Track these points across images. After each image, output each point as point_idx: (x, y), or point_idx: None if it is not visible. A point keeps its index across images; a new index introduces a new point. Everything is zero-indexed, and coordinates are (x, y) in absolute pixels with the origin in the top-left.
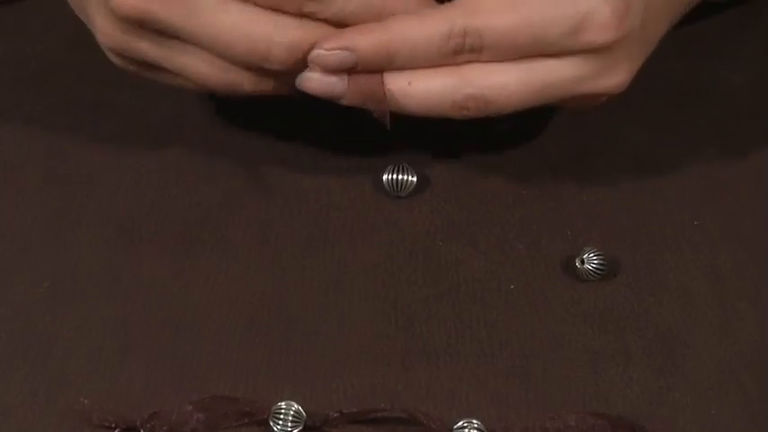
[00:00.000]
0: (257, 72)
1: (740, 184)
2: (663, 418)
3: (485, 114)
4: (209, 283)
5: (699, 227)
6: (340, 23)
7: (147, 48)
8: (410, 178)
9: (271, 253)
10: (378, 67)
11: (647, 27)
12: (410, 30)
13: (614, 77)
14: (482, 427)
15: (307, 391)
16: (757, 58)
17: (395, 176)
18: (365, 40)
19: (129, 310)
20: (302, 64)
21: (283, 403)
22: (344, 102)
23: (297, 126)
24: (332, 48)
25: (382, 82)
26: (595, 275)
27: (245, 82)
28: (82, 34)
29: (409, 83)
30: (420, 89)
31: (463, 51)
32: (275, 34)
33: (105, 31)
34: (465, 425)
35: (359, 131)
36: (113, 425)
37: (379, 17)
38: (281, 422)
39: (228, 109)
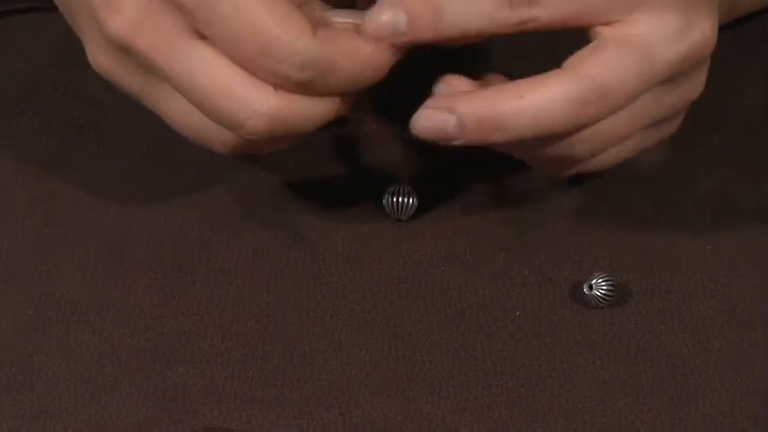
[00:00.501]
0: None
1: (755, 208)
2: None
3: (608, 112)
4: (200, 311)
5: (712, 251)
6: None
7: (132, 80)
8: (411, 201)
9: (265, 279)
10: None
11: None
12: None
13: (700, 30)
14: None
15: (303, 423)
16: None
17: (396, 199)
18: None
19: (117, 339)
20: (279, 139)
21: None
22: (462, 143)
23: (292, 148)
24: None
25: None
26: (604, 302)
27: (218, 143)
28: (68, 53)
29: (521, 96)
30: (534, 100)
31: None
32: (255, 102)
33: (95, 54)
34: None
35: (358, 152)
36: None
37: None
38: None
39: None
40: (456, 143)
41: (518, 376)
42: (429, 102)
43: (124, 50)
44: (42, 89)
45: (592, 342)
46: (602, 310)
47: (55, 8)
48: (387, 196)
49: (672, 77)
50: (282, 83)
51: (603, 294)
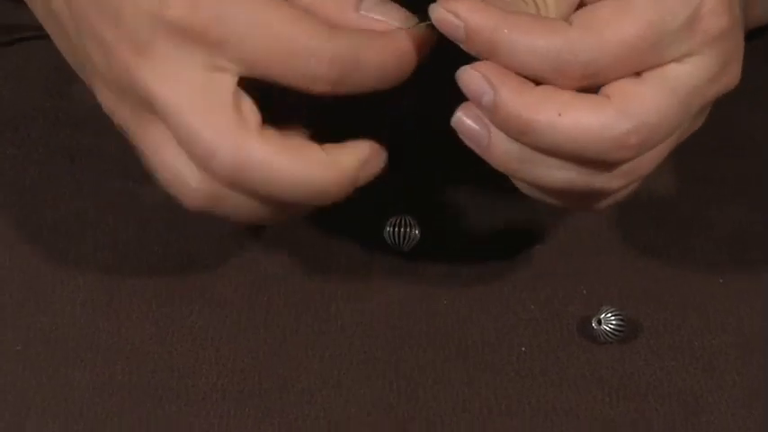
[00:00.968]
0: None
1: None
2: None
3: (646, 150)
4: (195, 347)
5: (724, 285)
6: None
7: (128, 115)
8: (414, 231)
9: (262, 313)
10: (482, 51)
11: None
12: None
13: (732, 72)
14: None
15: None
16: None
17: (398, 229)
18: (477, 15)
19: (108, 376)
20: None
21: None
22: (488, 118)
23: None
24: (447, 8)
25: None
26: (613, 337)
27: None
28: (58, 79)
29: (559, 114)
30: (570, 122)
31: (575, 73)
32: (214, 140)
33: (105, 95)
34: None
35: None
36: None
37: None
38: None
39: None
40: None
41: (524, 415)
42: (478, 64)
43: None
44: (31, 116)
45: (601, 379)
46: (611, 345)
47: (44, 35)
48: (388, 227)
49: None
50: (315, 84)
51: (613, 329)
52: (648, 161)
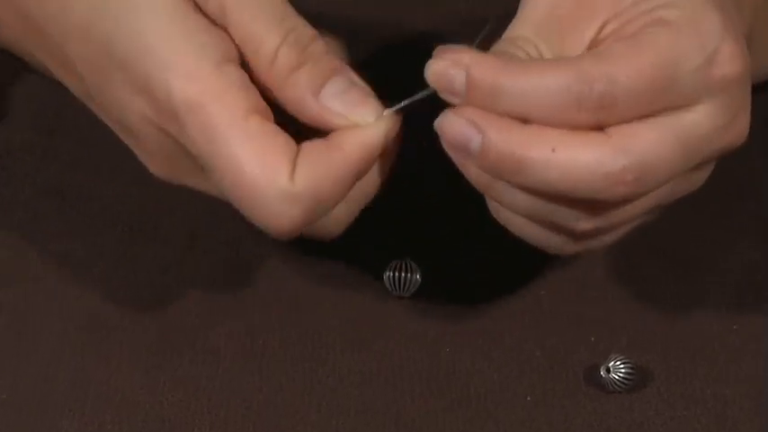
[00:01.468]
0: None
1: None
2: None
3: (641, 190)
4: (187, 396)
5: (738, 332)
6: None
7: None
8: (415, 276)
9: (257, 362)
10: (486, 100)
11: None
12: (527, 75)
13: (740, 124)
14: None
15: None
16: None
17: (398, 274)
18: (480, 68)
19: (97, 426)
20: None
21: None
22: (476, 165)
23: None
24: (443, 56)
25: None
26: (622, 386)
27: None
28: (46, 115)
29: (553, 149)
30: (565, 158)
31: (590, 103)
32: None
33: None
34: None
35: (357, 225)
36: None
37: None
38: None
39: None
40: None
41: None
42: (460, 108)
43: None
44: (19, 153)
45: (609, 429)
46: (620, 394)
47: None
48: (388, 272)
49: (704, 164)
50: (281, 236)
51: (621, 378)
52: (632, 208)
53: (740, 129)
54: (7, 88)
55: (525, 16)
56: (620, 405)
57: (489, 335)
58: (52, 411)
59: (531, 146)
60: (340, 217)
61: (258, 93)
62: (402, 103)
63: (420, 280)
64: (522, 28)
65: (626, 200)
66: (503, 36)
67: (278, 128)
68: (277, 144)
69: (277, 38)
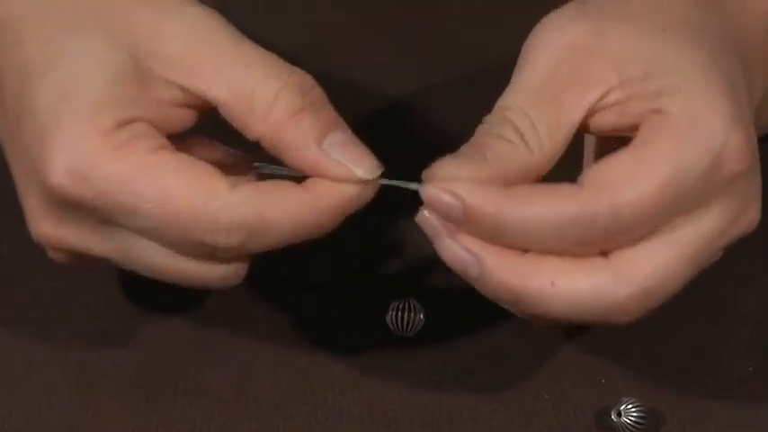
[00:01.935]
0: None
1: None
2: None
3: (647, 312)
4: None
5: (755, 373)
6: None
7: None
8: (418, 316)
9: (252, 404)
10: (484, 230)
11: None
12: (527, 200)
13: (749, 215)
14: None
15: None
16: None
17: (401, 314)
18: (476, 194)
19: None
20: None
21: None
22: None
23: (285, 255)
24: (440, 187)
25: None
26: (634, 430)
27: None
28: None
29: (552, 282)
30: (565, 290)
31: (593, 238)
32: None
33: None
34: None
35: (359, 263)
36: None
37: None
38: None
39: None
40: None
41: None
42: (457, 236)
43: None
44: (7, 187)
45: None
46: None
47: None
48: (391, 312)
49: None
50: (215, 253)
51: (633, 422)
52: None
53: (750, 219)
54: None
55: (520, 84)
56: None
57: (495, 376)
58: None
59: (529, 277)
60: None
61: (166, 141)
62: (396, 182)
63: (423, 320)
64: (515, 97)
65: (634, 318)
66: (496, 105)
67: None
68: (202, 165)
69: (277, 82)
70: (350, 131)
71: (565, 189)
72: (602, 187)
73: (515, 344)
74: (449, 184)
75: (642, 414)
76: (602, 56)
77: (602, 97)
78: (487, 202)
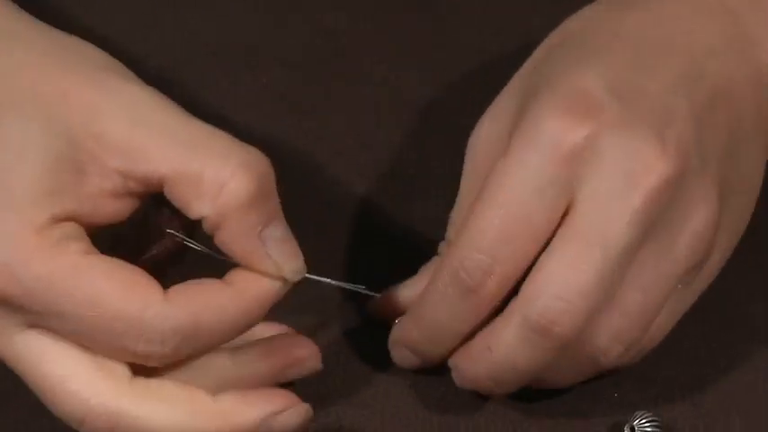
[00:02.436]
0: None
1: None
2: None
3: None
4: None
5: None
6: None
7: None
8: None
9: None
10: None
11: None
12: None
13: (699, 212)
14: None
15: None
16: None
17: None
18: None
19: None
20: None
21: None
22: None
23: None
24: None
25: None
26: None
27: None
28: None
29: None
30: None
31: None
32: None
33: None
34: None
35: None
36: None
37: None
38: None
39: None
40: None
41: None
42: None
43: None
44: None
45: None
46: None
47: None
48: None
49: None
50: (147, 362)
51: None
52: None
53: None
54: None
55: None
56: None
57: None
58: None
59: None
60: None
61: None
62: (328, 280)
63: None
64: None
65: None
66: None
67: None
68: (133, 271)
69: (227, 163)
70: (285, 224)
71: None
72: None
73: None
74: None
75: (657, 428)
76: None
77: None
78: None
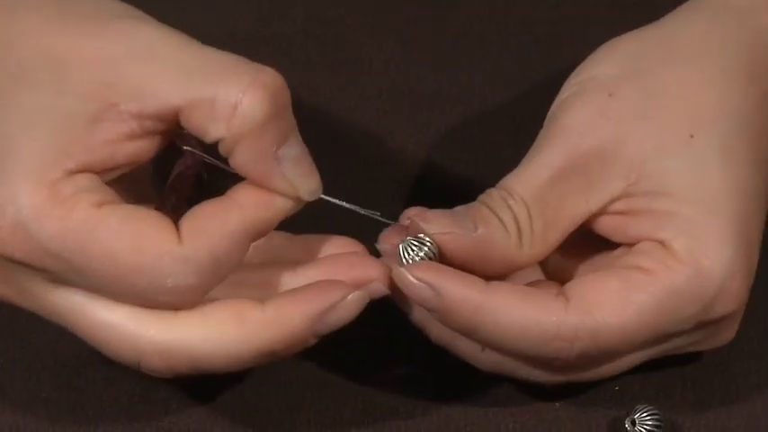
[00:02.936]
0: None
1: None
2: None
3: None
4: None
5: None
6: None
7: None
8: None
9: (252, 408)
10: (459, 327)
11: None
12: (509, 308)
13: (726, 335)
14: None
15: None
16: None
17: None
18: (456, 290)
19: None
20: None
21: None
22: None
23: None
24: (419, 276)
25: None
26: None
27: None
28: None
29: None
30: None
31: (568, 358)
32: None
33: None
34: None
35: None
36: None
37: None
38: None
39: None
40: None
41: None
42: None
43: None
44: None
45: None
46: None
47: None
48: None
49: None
50: (178, 306)
51: (649, 430)
52: (609, 368)
53: (723, 339)
54: None
55: (527, 177)
56: None
57: (507, 385)
58: None
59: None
60: None
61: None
62: (343, 203)
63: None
64: (520, 186)
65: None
66: (502, 181)
67: (139, 206)
68: (148, 217)
69: (239, 83)
70: (302, 141)
71: (549, 302)
72: (587, 309)
73: None
74: (428, 274)
75: (658, 423)
76: (615, 165)
77: (606, 205)
78: (467, 302)
